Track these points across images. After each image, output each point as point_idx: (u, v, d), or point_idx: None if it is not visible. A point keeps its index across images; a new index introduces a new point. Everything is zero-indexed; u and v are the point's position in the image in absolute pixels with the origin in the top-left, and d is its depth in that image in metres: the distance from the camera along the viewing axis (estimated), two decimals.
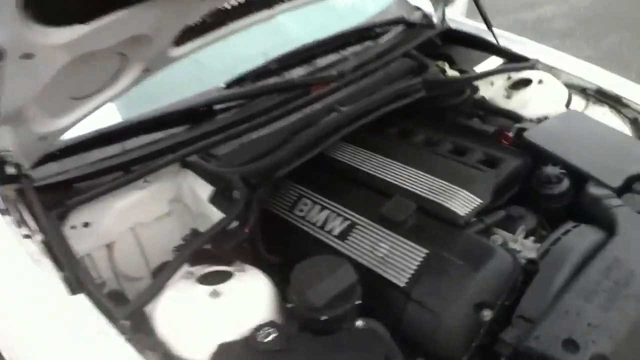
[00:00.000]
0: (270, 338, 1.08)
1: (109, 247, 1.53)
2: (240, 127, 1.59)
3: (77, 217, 1.45)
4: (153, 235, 1.59)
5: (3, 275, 1.29)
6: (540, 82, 1.88)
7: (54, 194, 1.43)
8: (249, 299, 1.20)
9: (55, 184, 1.45)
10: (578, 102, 1.94)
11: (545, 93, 1.86)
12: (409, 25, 2.17)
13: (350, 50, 2.01)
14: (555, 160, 1.53)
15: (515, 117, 1.80)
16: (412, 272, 1.27)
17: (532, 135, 1.62)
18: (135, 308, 1.18)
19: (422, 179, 1.51)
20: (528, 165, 1.57)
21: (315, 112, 1.66)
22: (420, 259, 1.29)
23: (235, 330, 1.12)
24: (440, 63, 1.92)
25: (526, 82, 1.90)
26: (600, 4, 5.28)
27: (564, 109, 1.83)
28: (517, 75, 1.94)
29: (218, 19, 1.43)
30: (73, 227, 1.44)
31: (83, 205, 1.44)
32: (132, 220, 1.55)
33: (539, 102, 1.83)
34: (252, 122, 1.60)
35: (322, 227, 1.47)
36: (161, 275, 1.24)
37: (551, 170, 1.49)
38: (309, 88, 1.77)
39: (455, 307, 1.21)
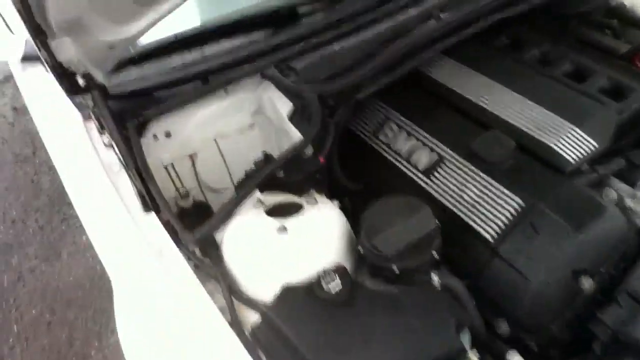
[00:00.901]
0: (335, 286, 1.03)
1: (192, 157, 1.51)
2: (324, 36, 1.42)
3: (158, 126, 1.42)
4: (236, 146, 1.54)
5: (85, 185, 1.31)
6: None
7: (134, 101, 1.40)
8: (317, 238, 1.13)
9: (135, 91, 1.41)
10: None
11: None
12: None
13: None
14: None
15: None
16: (502, 224, 1.13)
17: None
18: (203, 233, 1.15)
19: (527, 109, 1.29)
20: None
21: (410, 19, 1.43)
22: (514, 211, 1.13)
23: (302, 270, 1.06)
24: None
25: None
26: None
27: None
28: None
29: None
30: (155, 137, 1.42)
31: (164, 115, 1.40)
32: (214, 130, 1.50)
33: None
34: (337, 30, 1.42)
35: (407, 159, 1.33)
36: (231, 201, 1.19)
37: None
38: None
39: (549, 272, 1.06)
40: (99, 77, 1.26)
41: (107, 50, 1.23)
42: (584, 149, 1.19)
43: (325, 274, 1.04)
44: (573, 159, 1.17)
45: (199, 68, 1.42)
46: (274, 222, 1.13)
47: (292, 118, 1.38)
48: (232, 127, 1.53)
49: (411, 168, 1.31)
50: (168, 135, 1.44)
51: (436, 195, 1.24)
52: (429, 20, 1.44)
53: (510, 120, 1.28)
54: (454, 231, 1.15)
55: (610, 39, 1.46)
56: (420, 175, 1.29)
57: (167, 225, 1.14)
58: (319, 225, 1.15)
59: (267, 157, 1.45)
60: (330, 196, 1.29)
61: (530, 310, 1.07)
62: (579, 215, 1.08)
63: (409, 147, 1.34)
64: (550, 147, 1.20)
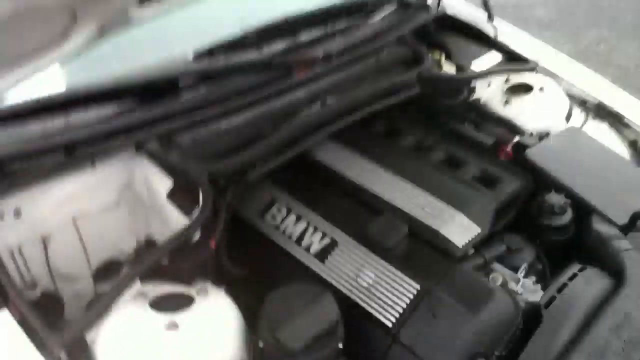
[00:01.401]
0: None
1: (44, 239, 1.29)
2: (209, 111, 1.34)
3: (6, 204, 1.19)
4: (97, 227, 1.35)
5: None
6: (541, 89, 1.72)
7: None
8: (213, 334, 1.01)
9: None
10: (577, 116, 1.80)
11: (547, 103, 1.71)
12: (402, 4, 1.95)
13: (337, 26, 1.77)
14: (559, 187, 1.39)
15: (513, 128, 1.64)
16: (400, 309, 1.11)
17: (535, 154, 1.47)
18: (74, 334, 0.96)
19: (414, 195, 1.33)
20: (529, 189, 1.43)
21: (298, 101, 1.43)
22: (411, 295, 1.13)
23: None
24: (435, 54, 1.72)
25: (527, 88, 1.74)
26: None
27: (564, 124, 1.68)
28: (516, 78, 1.77)
29: None
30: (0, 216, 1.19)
31: (15, 189, 1.19)
32: (74, 209, 1.31)
33: (539, 112, 1.68)
34: (223, 106, 1.36)
35: (298, 242, 1.28)
36: (107, 294, 1.02)
37: (556, 198, 1.35)
38: (291, 69, 1.53)
39: (448, 357, 1.06)
40: None
41: None
42: (469, 234, 1.24)
43: None
44: (461, 244, 1.22)
45: (62, 138, 1.25)
46: (161, 318, 0.99)
47: (173, 197, 1.26)
48: (95, 205, 1.35)
49: (303, 252, 1.26)
50: (18, 214, 1.22)
51: (331, 280, 1.20)
52: (315, 103, 1.45)
53: (400, 205, 1.31)
54: (352, 318, 1.10)
55: (473, 130, 1.60)
56: (313, 260, 1.25)
57: (23, 322, 0.94)
58: (213, 320, 1.03)
59: (149, 242, 1.30)
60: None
61: None
62: (472, 300, 1.11)
63: (300, 230, 1.30)
64: (440, 233, 1.24)
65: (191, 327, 0.99)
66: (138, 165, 1.33)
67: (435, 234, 1.24)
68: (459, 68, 1.77)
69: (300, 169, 1.43)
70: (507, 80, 1.78)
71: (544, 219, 1.35)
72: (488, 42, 1.90)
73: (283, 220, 1.33)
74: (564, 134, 1.59)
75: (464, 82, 1.68)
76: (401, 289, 1.14)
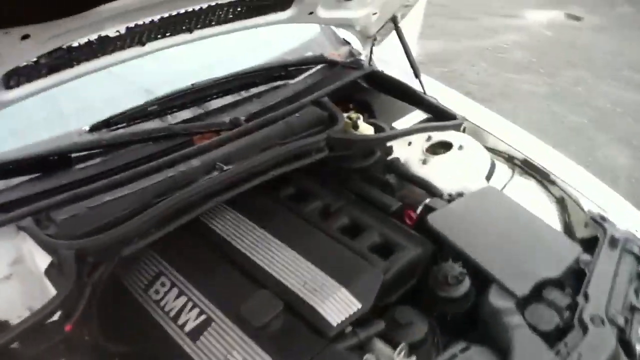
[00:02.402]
0: None
1: None
2: (94, 185, 1.32)
3: None
4: None
5: None
6: (460, 147, 1.68)
7: None
8: None
9: None
10: (504, 171, 1.74)
11: (465, 161, 1.65)
12: (330, 63, 1.94)
13: (254, 91, 1.76)
14: (458, 255, 1.33)
15: (430, 189, 1.59)
16: None
17: (437, 218, 1.41)
18: None
19: (301, 268, 1.28)
20: (429, 256, 1.37)
21: (191, 171, 1.40)
22: None
23: None
24: (353, 115, 1.69)
25: (446, 146, 1.69)
26: (563, 36, 5.16)
27: (483, 183, 1.62)
28: (438, 137, 1.73)
29: (63, 60, 1.18)
30: None
31: None
32: None
33: (457, 172, 1.63)
34: (110, 179, 1.34)
35: (175, 319, 1.23)
36: None
37: (450, 268, 1.28)
38: (192, 138, 1.51)
39: None
40: None
41: None
42: (348, 311, 1.18)
43: None
44: (337, 322, 1.16)
45: None
46: None
47: (48, 274, 1.23)
48: None
49: (178, 330, 1.21)
50: None
51: None
52: (212, 171, 1.42)
53: (282, 278, 1.25)
54: None
55: (384, 195, 1.55)
56: (186, 338, 1.19)
57: None
58: None
59: (1, 325, 1.26)
60: None
61: None
62: None
63: (179, 305, 1.25)
64: (316, 310, 1.18)
65: None
66: (24, 240, 1.30)
67: (312, 310, 1.18)
68: (378, 128, 1.73)
69: (192, 239, 1.39)
70: (428, 139, 1.74)
71: (439, 290, 1.28)
72: (413, 99, 1.87)
73: (165, 294, 1.28)
74: (476, 195, 1.52)
75: (376, 142, 1.64)
76: None
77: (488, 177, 1.66)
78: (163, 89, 1.60)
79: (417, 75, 1.89)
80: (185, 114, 1.60)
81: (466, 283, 1.28)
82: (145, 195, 1.34)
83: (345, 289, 1.21)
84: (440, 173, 1.62)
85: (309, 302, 1.19)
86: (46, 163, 1.39)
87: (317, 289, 1.22)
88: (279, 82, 1.82)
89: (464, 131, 1.82)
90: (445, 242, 1.36)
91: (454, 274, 1.27)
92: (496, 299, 1.23)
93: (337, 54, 2.03)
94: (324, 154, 1.55)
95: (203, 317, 1.21)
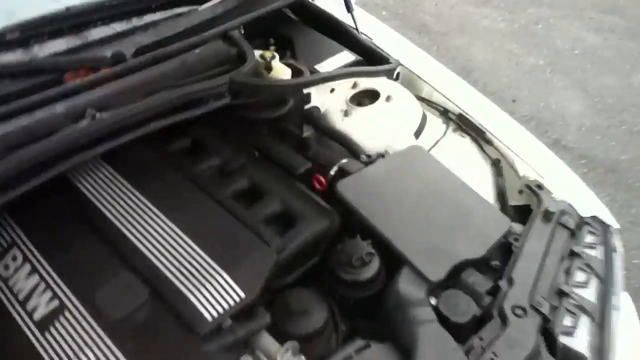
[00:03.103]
0: None
1: None
2: None
3: None
4: None
5: None
6: (388, 98, 1.46)
7: None
8: None
9: None
10: (436, 126, 1.54)
11: (393, 115, 1.44)
12: None
13: (148, 19, 1.46)
14: (367, 230, 1.14)
15: (350, 147, 1.38)
16: None
17: (348, 185, 1.21)
18: None
19: (177, 244, 1.07)
20: (335, 231, 1.18)
21: (55, 117, 1.14)
22: None
23: None
24: (267, 54, 1.43)
25: (373, 95, 1.47)
26: None
27: (411, 140, 1.43)
28: (366, 83, 1.50)
29: None
30: None
31: None
32: None
33: (382, 127, 1.42)
34: None
35: (23, 303, 1.02)
36: None
37: (355, 247, 1.10)
38: (62, 77, 1.24)
39: None
40: None
41: None
42: (228, 302, 0.99)
43: None
44: (213, 316, 0.97)
45: None
46: None
47: None
48: None
49: (25, 317, 1.00)
50: None
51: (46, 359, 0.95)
52: (80, 119, 1.16)
53: (154, 258, 1.04)
54: None
55: (292, 154, 1.33)
56: (33, 328, 0.99)
57: None
58: None
59: None
60: None
61: None
62: None
63: (30, 287, 1.03)
64: (189, 300, 0.98)
65: None
66: None
67: (185, 301, 0.98)
68: (296, 71, 1.48)
69: (55, 201, 1.16)
70: (354, 86, 1.51)
71: (341, 272, 1.10)
72: (343, 37, 1.62)
73: (16, 271, 1.06)
74: (398, 157, 1.33)
75: (288, 89, 1.40)
76: None
77: (417, 134, 1.46)
78: (29, 13, 1.29)
79: (349, 9, 1.62)
80: (58, 44, 1.30)
81: (374, 265, 1.11)
82: None
83: (227, 275, 1.02)
84: (362, 128, 1.41)
85: (181, 290, 0.99)
86: None
87: (193, 274, 1.02)
88: (183, 8, 1.52)
89: (397, 78, 1.60)
90: (355, 214, 1.16)
91: (360, 254, 1.09)
92: (406, 285, 1.06)
93: None
94: (224, 101, 1.30)
95: (55, 302, 1.00)
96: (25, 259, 1.07)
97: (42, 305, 1.01)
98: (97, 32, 1.37)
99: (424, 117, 1.48)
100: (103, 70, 1.25)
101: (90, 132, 1.14)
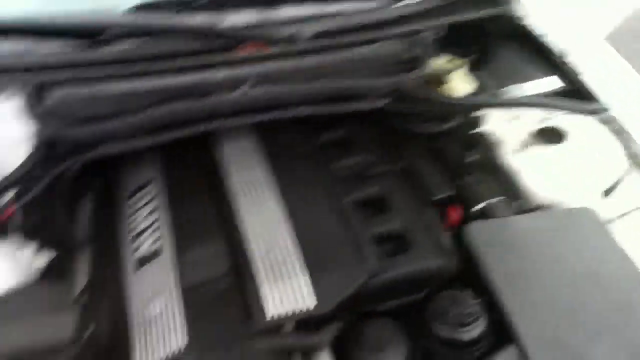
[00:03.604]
0: None
1: None
2: (97, 70, 1.18)
3: None
4: None
5: None
6: (578, 142, 1.19)
7: None
8: None
9: None
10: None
11: (581, 163, 1.18)
12: None
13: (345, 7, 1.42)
14: (485, 290, 0.94)
15: (512, 187, 1.16)
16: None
17: (482, 230, 1.01)
18: None
19: (277, 232, 1.02)
20: (448, 273, 1.00)
21: (211, 82, 1.18)
22: (176, 349, 0.87)
23: None
24: (451, 62, 1.28)
25: (555, 136, 1.23)
26: None
27: (594, 198, 1.15)
28: (554, 120, 1.26)
29: None
30: None
31: None
32: None
33: (562, 174, 1.17)
34: (121, 67, 1.18)
35: (133, 239, 1.09)
36: None
37: (458, 301, 0.92)
38: (236, 46, 1.28)
39: None
40: None
41: None
42: (295, 305, 0.90)
43: None
44: (273, 313, 0.90)
45: None
46: None
47: None
48: None
49: (129, 253, 1.07)
50: None
51: (126, 295, 1.00)
52: (234, 89, 1.19)
53: (250, 237, 1.02)
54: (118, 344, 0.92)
55: (439, 177, 1.15)
56: (130, 265, 1.05)
57: None
58: None
59: None
60: None
61: None
62: None
63: (145, 225, 1.10)
64: (258, 289, 0.93)
65: None
66: None
67: (254, 289, 0.93)
68: (480, 88, 1.31)
69: (198, 155, 1.22)
70: (543, 119, 1.28)
71: (433, 323, 0.93)
72: (548, 63, 1.39)
73: (142, 207, 1.15)
74: (560, 215, 1.07)
75: (457, 107, 1.24)
76: (170, 337, 0.89)
77: (608, 192, 1.17)
78: None
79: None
80: (243, 17, 1.35)
81: (481, 324, 0.91)
82: (149, 95, 1.17)
83: (308, 279, 0.94)
84: (537, 169, 1.18)
85: (256, 277, 0.95)
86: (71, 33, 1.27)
87: (276, 265, 0.96)
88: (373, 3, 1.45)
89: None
90: (478, 268, 0.97)
91: (461, 311, 0.91)
92: None
93: None
94: (382, 102, 1.22)
95: (155, 246, 1.05)
96: (154, 197, 1.14)
97: (145, 245, 1.06)
98: (283, 12, 1.39)
99: (624, 175, 1.18)
100: (272, 48, 1.26)
101: (241, 103, 1.16)
